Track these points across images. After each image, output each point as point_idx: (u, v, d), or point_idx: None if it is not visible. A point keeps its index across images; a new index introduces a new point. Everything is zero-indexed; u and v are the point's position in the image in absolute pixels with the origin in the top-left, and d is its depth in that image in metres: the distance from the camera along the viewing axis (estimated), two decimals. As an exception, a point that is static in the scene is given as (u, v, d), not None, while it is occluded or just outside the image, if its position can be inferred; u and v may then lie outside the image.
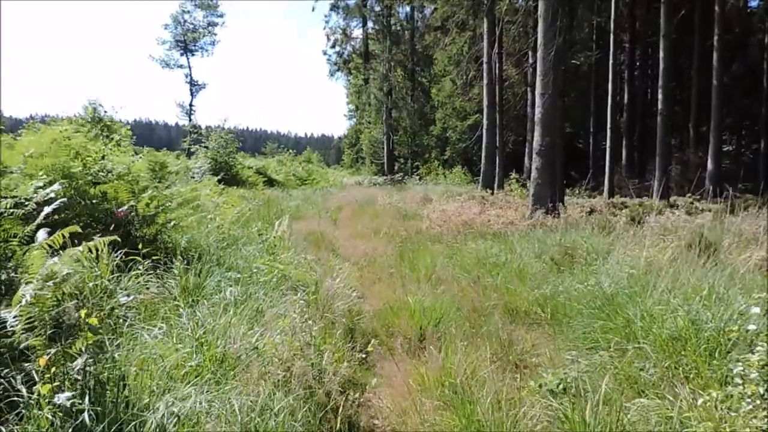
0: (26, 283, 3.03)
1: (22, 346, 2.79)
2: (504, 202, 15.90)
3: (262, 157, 41.15)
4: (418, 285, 6.52)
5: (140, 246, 5.34)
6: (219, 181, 15.37)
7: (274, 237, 8.03)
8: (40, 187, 5.24)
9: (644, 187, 22.06)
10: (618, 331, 4.27)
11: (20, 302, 2.82)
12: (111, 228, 5.59)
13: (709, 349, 3.62)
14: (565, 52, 16.24)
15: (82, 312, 2.75)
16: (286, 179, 28.79)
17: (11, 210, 4.67)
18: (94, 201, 6.06)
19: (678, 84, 27.31)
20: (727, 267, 5.16)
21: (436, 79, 38.83)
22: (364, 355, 4.17)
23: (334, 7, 42.66)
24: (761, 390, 2.77)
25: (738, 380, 2.91)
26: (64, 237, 4.01)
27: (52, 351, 2.82)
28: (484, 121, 21.94)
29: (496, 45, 21.76)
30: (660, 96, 18.98)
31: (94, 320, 2.80)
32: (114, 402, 2.57)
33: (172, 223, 6.74)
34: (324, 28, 44.51)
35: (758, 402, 2.73)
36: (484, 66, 21.95)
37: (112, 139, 8.09)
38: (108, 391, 2.61)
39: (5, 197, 4.60)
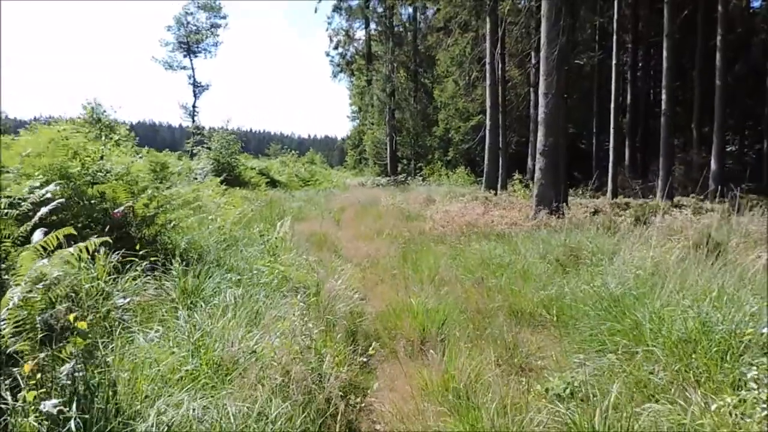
0: (16, 285, 2.94)
1: (9, 350, 2.69)
2: (507, 202, 15.79)
3: (265, 159, 41.11)
4: (422, 286, 6.41)
5: (138, 247, 5.27)
6: (221, 182, 15.28)
7: (276, 238, 7.95)
8: (36, 187, 5.15)
9: (647, 188, 21.92)
10: (626, 333, 4.17)
11: (8, 305, 2.73)
12: (107, 229, 5.48)
13: (720, 352, 3.51)
14: (568, 52, 16.12)
15: (71, 316, 2.66)
16: (288, 180, 28.73)
17: (5, 210, 4.59)
18: (92, 201, 5.98)
19: (681, 84, 27.14)
20: (737, 267, 5.05)
21: (439, 80, 38.71)
22: (365, 359, 4.06)
23: (336, 9, 42.66)
24: (777, 395, 2.67)
25: (752, 385, 2.81)
26: (58, 238, 3.93)
27: (42, 355, 2.73)
28: (487, 122, 21.83)
29: (499, 45, 21.65)
30: (663, 96, 18.87)
31: (83, 324, 2.70)
32: (103, 409, 2.48)
33: (171, 224, 6.65)
34: (327, 30, 44.51)
35: (774, 407, 2.63)
36: (487, 67, 21.84)
37: (111, 138, 7.97)
38: (96, 398, 2.52)
39: (-1, 197, 4.51)
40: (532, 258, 7.23)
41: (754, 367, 2.87)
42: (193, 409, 2.68)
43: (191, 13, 50.00)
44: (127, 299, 4.35)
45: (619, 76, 20.77)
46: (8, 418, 2.36)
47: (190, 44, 50.12)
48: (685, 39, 25.84)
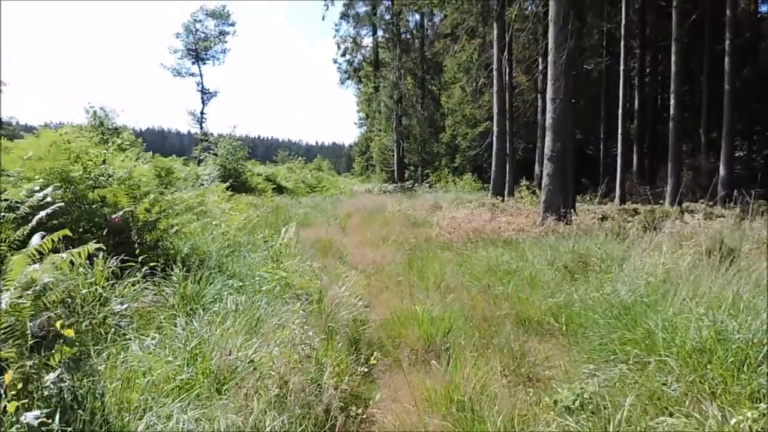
0: (6, 290, 2.85)
1: (-5, 358, 2.59)
2: (514, 208, 15.64)
3: (273, 165, 41.12)
4: (427, 293, 6.29)
5: (138, 252, 5.18)
6: (227, 188, 15.22)
7: (280, 244, 7.85)
8: (36, 191, 5.07)
9: (656, 194, 21.71)
10: (637, 342, 4.02)
11: (-5, 311, 2.63)
12: (107, 233, 5.40)
13: (737, 362, 3.37)
14: (576, 56, 16.00)
15: (58, 323, 2.55)
16: (295, 186, 28.69)
17: (3, 213, 4.51)
18: (93, 206, 5.90)
19: (688, 90, 26.95)
20: (752, 274, 4.90)
21: (446, 86, 38.67)
22: (366, 369, 3.93)
23: (344, 16, 42.68)
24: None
25: (773, 397, 2.67)
26: (53, 242, 3.84)
27: (29, 363, 2.62)
28: (494, 128, 21.71)
29: (506, 51, 21.55)
30: (672, 101, 18.72)
31: (70, 332, 2.60)
32: (89, 421, 2.36)
33: (174, 230, 6.56)
34: (334, 37, 44.69)
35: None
36: (494, 73, 21.74)
37: (113, 143, 7.91)
38: (82, 410, 2.41)
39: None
40: (539, 265, 7.09)
41: (774, 379, 2.73)
42: (184, 422, 2.56)
43: (200, 21, 50.24)
44: (125, 305, 4.25)
45: (627, 81, 20.61)
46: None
47: (198, 51, 50.29)
48: (693, 44, 25.68)
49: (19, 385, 2.27)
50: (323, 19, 58.44)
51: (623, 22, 20.30)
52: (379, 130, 44.85)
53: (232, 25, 51.01)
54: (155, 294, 4.77)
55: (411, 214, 15.50)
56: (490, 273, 7.11)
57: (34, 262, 3.59)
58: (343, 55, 45.33)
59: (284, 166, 36.04)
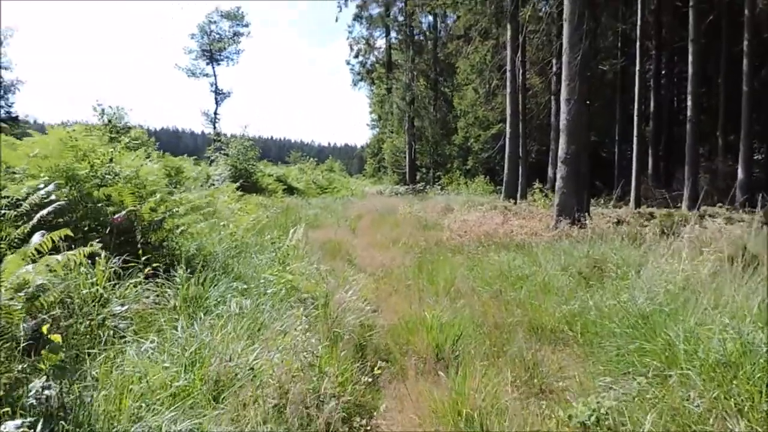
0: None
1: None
2: (527, 212, 15.43)
3: (285, 166, 41.09)
4: (437, 298, 6.14)
5: (141, 252, 5.06)
6: (237, 188, 15.13)
7: (288, 246, 7.72)
8: (40, 188, 4.97)
9: (671, 197, 21.40)
10: (657, 354, 3.83)
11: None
12: (110, 233, 5.29)
13: (765, 377, 3.17)
14: (591, 57, 15.77)
15: (45, 327, 2.42)
16: (306, 187, 28.61)
17: (2, 211, 4.41)
18: (98, 204, 5.80)
19: (705, 91, 26.51)
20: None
21: (459, 88, 38.45)
22: (370, 379, 3.76)
23: (357, 17, 42.61)
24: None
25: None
26: (53, 241, 3.73)
27: (19, 367, 2.50)
28: (507, 130, 21.51)
29: (520, 52, 21.34)
30: (689, 103, 18.41)
31: (56, 337, 2.47)
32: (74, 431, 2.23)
33: (179, 230, 6.45)
34: (347, 38, 44.51)
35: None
36: (508, 74, 21.54)
37: (120, 141, 7.82)
38: (68, 420, 2.27)
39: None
40: (553, 270, 6.89)
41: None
42: (174, 435, 2.42)
43: (215, 22, 50.50)
44: (125, 307, 4.13)
45: (643, 83, 20.33)
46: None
47: (212, 52, 50.56)
48: (710, 44, 25.30)
49: (0, 392, 2.14)
50: (336, 20, 58.29)
51: (639, 22, 20.02)
52: (392, 132, 44.75)
53: (246, 26, 51.35)
54: (157, 295, 4.64)
55: (422, 217, 15.34)
56: (502, 278, 6.93)
57: (33, 261, 3.48)
58: (356, 56, 45.31)
59: (295, 166, 35.96)
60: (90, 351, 3.31)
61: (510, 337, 4.97)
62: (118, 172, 6.38)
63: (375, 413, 3.53)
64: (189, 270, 5.16)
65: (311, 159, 39.92)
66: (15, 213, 4.40)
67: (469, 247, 9.55)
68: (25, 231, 4.23)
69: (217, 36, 50.60)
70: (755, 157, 27.39)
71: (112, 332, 3.75)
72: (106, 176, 6.17)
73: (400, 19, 40.06)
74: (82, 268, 4.19)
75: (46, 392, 2.26)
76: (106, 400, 2.68)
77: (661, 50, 29.09)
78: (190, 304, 4.61)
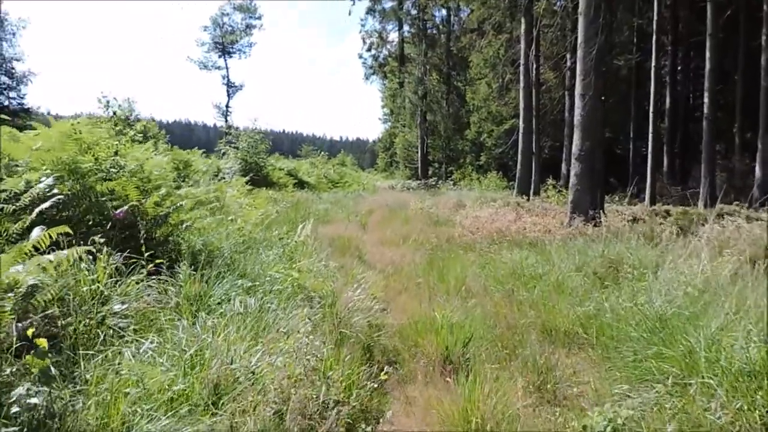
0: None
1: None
2: (540, 209, 15.21)
3: (296, 160, 41.05)
4: (447, 297, 5.99)
5: (143, 248, 4.94)
6: (247, 182, 15.03)
7: (296, 242, 7.60)
8: (39, 182, 4.87)
9: (687, 195, 21.08)
10: (676, 360, 3.65)
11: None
12: (111, 228, 5.19)
13: (793, 389, 3.01)
14: (606, 52, 15.50)
15: (29, 331, 2.30)
16: (317, 181, 28.47)
17: (0, 206, 4.31)
18: (102, 198, 5.70)
19: (722, 88, 26.07)
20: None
21: (472, 82, 38.19)
22: (376, 385, 3.61)
23: (370, 11, 42.39)
24: None
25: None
26: (51, 237, 3.62)
27: (8, 371, 2.38)
28: (521, 126, 21.25)
29: (534, 47, 21.06)
30: (706, 99, 18.11)
31: (42, 342, 2.35)
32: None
33: (184, 225, 6.33)
34: (360, 32, 44.29)
35: None
36: (521, 68, 21.27)
37: (126, 134, 7.72)
38: (51, 429, 2.15)
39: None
40: (567, 269, 6.70)
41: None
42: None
43: (227, 14, 50.54)
44: (125, 305, 4.02)
45: (658, 79, 19.98)
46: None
47: (225, 45, 50.61)
48: (728, 40, 24.86)
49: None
50: (350, 14, 58.52)
51: (655, 17, 19.69)
52: (404, 126, 44.58)
53: (259, 18, 51.30)
54: (159, 293, 4.53)
55: (433, 212, 15.18)
56: (515, 277, 6.76)
57: (32, 257, 3.37)
58: (369, 50, 45.06)
59: (307, 161, 35.84)
60: (87, 351, 3.20)
61: (522, 339, 4.82)
62: (123, 165, 6.27)
63: (381, 419, 3.39)
64: (193, 266, 5.04)
65: (322, 153, 39.77)
66: (14, 207, 4.29)
67: (481, 244, 9.39)
68: (24, 226, 4.12)
69: (230, 28, 50.63)
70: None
71: (111, 331, 3.64)
72: (111, 170, 6.07)
73: (413, 12, 39.80)
74: (83, 265, 4.08)
75: (32, 400, 2.14)
76: (98, 405, 2.56)
77: (678, 45, 28.60)
78: (193, 303, 4.48)
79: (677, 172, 27.98)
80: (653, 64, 19.26)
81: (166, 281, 4.77)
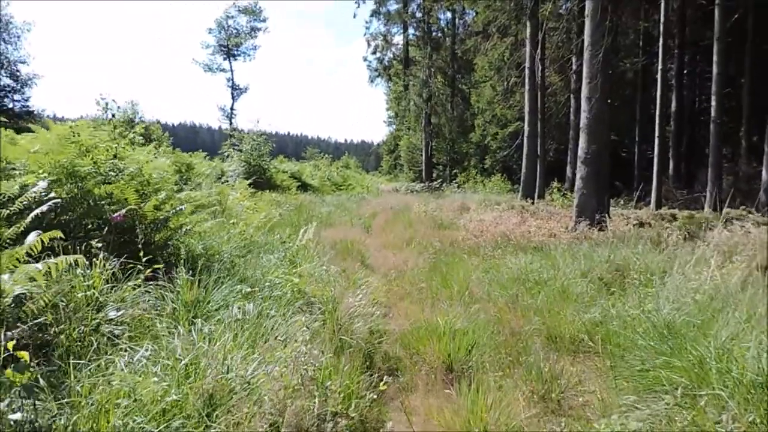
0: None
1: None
2: (545, 212, 15.10)
3: (301, 162, 41.02)
4: (450, 303, 5.89)
5: (141, 253, 4.86)
6: (250, 185, 14.95)
7: (298, 245, 7.52)
8: (34, 186, 4.79)
9: (693, 199, 20.92)
10: (686, 370, 3.54)
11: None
12: (109, 232, 5.11)
13: (808, 402, 2.90)
14: (613, 54, 15.38)
15: (10, 344, 2.22)
16: (321, 184, 28.39)
17: (-6, 211, 4.23)
18: (100, 202, 5.62)
19: (728, 92, 25.93)
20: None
21: (476, 85, 38.17)
22: (375, 396, 3.51)
23: (375, 13, 42.31)
24: None
25: None
26: (43, 242, 3.54)
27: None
28: (525, 129, 21.14)
29: (539, 49, 20.96)
30: (713, 103, 17.95)
31: (24, 354, 2.26)
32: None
33: (184, 229, 6.25)
34: (365, 34, 44.22)
35: None
36: (526, 71, 21.17)
37: (125, 136, 7.64)
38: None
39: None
40: (572, 275, 6.58)
41: None
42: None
43: (232, 17, 50.59)
44: (120, 312, 3.93)
45: (664, 82, 19.85)
46: None
47: (229, 47, 50.65)
48: (734, 44, 24.73)
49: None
50: (354, 16, 58.27)
51: (662, 20, 19.54)
52: (408, 129, 44.52)
53: (264, 21, 51.32)
54: (156, 299, 4.44)
55: (437, 216, 15.07)
56: (519, 282, 6.65)
57: (27, 263, 3.30)
58: (374, 52, 44.96)
59: (310, 163, 35.77)
60: (79, 361, 3.11)
61: (527, 346, 4.72)
62: (122, 168, 6.19)
63: (381, 431, 3.29)
64: (192, 271, 4.95)
65: (326, 155, 39.71)
66: (9, 211, 4.22)
67: (485, 248, 9.28)
68: (19, 230, 4.04)
69: (235, 31, 50.69)
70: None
71: (106, 339, 3.56)
72: (109, 173, 5.99)
73: (418, 15, 39.76)
74: (79, 270, 4.00)
75: (12, 416, 2.05)
76: (87, 418, 2.47)
77: (684, 49, 28.46)
78: (191, 309, 4.39)
79: (683, 176, 27.81)
80: (660, 67, 19.07)
81: (164, 287, 4.68)
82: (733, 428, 2.93)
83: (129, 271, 4.65)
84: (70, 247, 4.40)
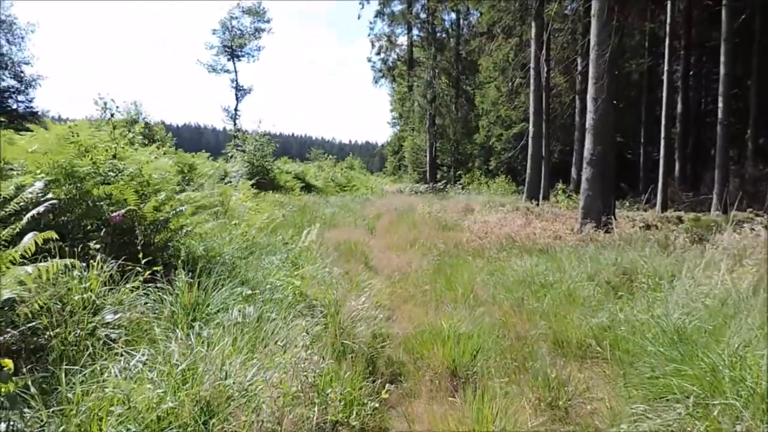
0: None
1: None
2: (550, 214, 14.97)
3: (305, 163, 40.93)
4: (455, 306, 5.79)
5: (141, 254, 4.78)
6: (253, 186, 14.87)
7: (300, 247, 7.43)
8: (30, 186, 4.71)
9: (699, 201, 20.77)
10: (697, 378, 3.43)
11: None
12: (108, 233, 5.03)
13: (826, 413, 2.79)
14: (619, 55, 15.24)
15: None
16: (324, 185, 28.31)
17: (-8, 211, 4.16)
18: (99, 203, 5.54)
19: (735, 94, 25.76)
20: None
21: (481, 86, 38.03)
22: (377, 404, 3.41)
23: (379, 14, 42.23)
24: None
25: None
26: (37, 244, 3.46)
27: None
28: (530, 130, 21.01)
29: (544, 50, 20.83)
30: (720, 104, 17.80)
31: (8, 362, 2.17)
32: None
33: (184, 230, 6.16)
34: (369, 35, 44.18)
35: None
36: (531, 72, 21.04)
37: (124, 136, 7.57)
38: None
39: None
40: (578, 278, 6.47)
41: None
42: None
43: (236, 18, 50.54)
44: (117, 315, 3.84)
45: (670, 83, 19.71)
46: None
47: (234, 48, 50.61)
48: (741, 44, 24.56)
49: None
50: (359, 17, 58.63)
51: (668, 21, 19.41)
52: (412, 130, 44.45)
53: (268, 22, 51.27)
54: (155, 301, 4.35)
55: (441, 217, 14.98)
56: (524, 285, 6.55)
57: (23, 265, 3.22)
58: (378, 53, 44.86)
59: (314, 164, 35.69)
60: (73, 366, 3.02)
61: (533, 351, 4.62)
62: (122, 168, 6.11)
63: (383, 440, 3.19)
64: (191, 273, 4.86)
65: (330, 156, 39.62)
66: (4, 213, 4.14)
67: (489, 250, 9.18)
68: (15, 232, 3.96)
69: (239, 32, 50.65)
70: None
71: (101, 343, 3.47)
72: (109, 173, 5.91)
73: (423, 15, 39.70)
74: (75, 272, 3.92)
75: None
76: (79, 426, 2.39)
77: (690, 50, 28.29)
78: (189, 312, 4.30)
79: (688, 178, 27.64)
80: (666, 68, 18.98)
81: (163, 289, 4.60)
82: (748, 439, 2.82)
83: (127, 274, 4.57)
84: (68, 248, 4.32)
